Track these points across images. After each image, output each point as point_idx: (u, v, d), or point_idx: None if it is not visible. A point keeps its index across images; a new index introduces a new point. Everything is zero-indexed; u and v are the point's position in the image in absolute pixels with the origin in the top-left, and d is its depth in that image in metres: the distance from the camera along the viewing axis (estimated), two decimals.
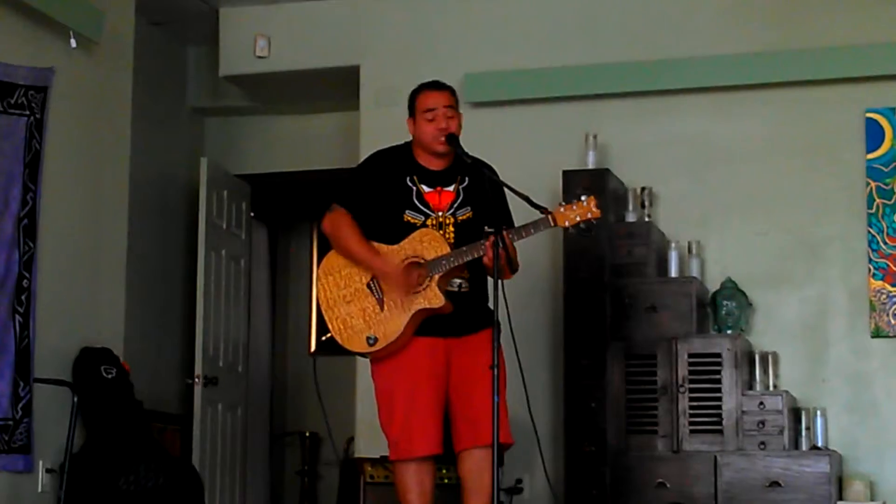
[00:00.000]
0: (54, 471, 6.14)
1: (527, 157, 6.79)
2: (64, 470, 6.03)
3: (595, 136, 6.80)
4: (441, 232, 4.79)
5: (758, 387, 6.33)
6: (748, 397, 6.21)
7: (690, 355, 6.25)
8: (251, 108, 8.54)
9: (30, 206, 6.08)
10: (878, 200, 6.62)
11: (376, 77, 7.49)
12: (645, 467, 6.19)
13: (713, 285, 6.68)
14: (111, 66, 6.84)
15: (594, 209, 4.68)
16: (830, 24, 6.81)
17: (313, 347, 9.89)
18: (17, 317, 5.99)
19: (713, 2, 7.07)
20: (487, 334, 4.59)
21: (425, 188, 4.85)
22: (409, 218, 4.81)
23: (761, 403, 6.18)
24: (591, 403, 6.23)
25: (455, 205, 4.85)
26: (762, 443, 6.13)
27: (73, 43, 6.37)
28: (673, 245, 6.64)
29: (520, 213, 4.87)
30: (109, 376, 6.44)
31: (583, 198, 4.70)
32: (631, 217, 6.71)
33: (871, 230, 6.61)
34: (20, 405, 5.96)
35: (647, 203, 6.76)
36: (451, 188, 4.87)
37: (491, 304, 4.59)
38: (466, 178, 4.89)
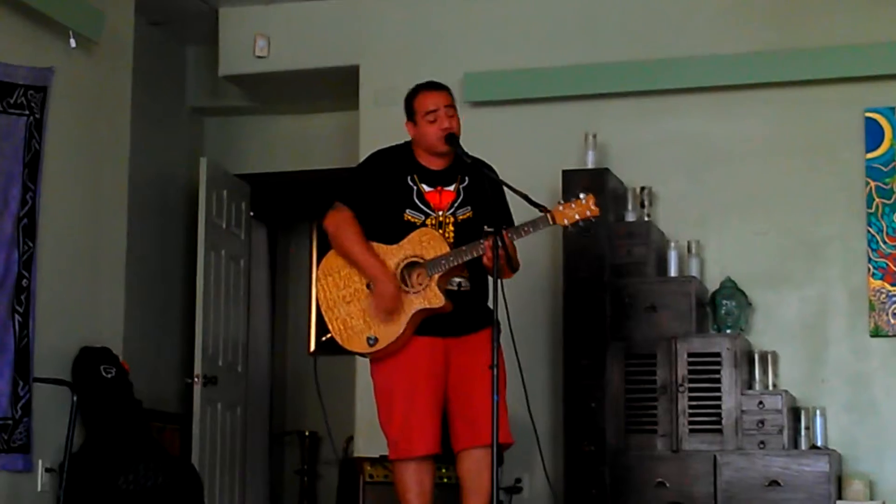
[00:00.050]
0: (54, 470, 6.14)
1: (526, 156, 6.79)
2: (63, 469, 6.03)
3: (594, 136, 6.80)
4: (441, 231, 4.79)
5: (757, 386, 6.33)
6: (748, 397, 6.21)
7: (690, 355, 6.26)
8: (251, 108, 8.54)
9: (29, 205, 6.09)
10: (877, 200, 6.62)
11: (376, 77, 7.49)
12: (644, 467, 6.19)
13: (713, 285, 6.68)
14: (111, 66, 6.84)
15: (593, 207, 4.68)
16: (830, 24, 6.81)
17: (313, 347, 9.89)
18: (17, 316, 5.99)
19: (712, 2, 7.07)
20: (487, 334, 4.58)
21: (426, 187, 4.85)
22: (410, 217, 4.81)
23: (761, 403, 6.18)
24: (591, 403, 6.24)
25: (455, 204, 4.85)
26: (762, 442, 6.13)
27: (73, 43, 6.37)
28: (672, 245, 6.65)
29: (519, 212, 4.87)
30: (109, 376, 6.44)
31: (581, 196, 4.70)
32: (630, 217, 6.71)
33: (870, 230, 6.61)
34: (20, 404, 5.96)
35: (646, 203, 6.76)
36: (452, 188, 4.87)
37: (490, 304, 4.60)
38: (467, 178, 4.89)
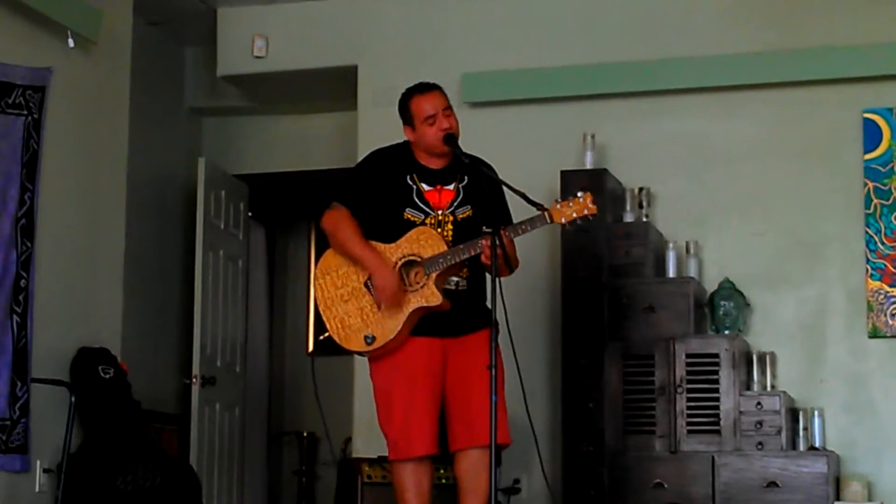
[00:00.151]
0: (52, 470, 6.14)
1: (525, 157, 6.77)
2: (61, 470, 6.03)
3: (593, 136, 6.81)
4: (440, 230, 4.79)
5: (755, 387, 6.35)
6: (746, 398, 6.22)
7: (688, 355, 6.26)
8: (249, 108, 8.54)
9: (27, 205, 6.09)
10: (875, 201, 6.63)
11: (374, 77, 7.49)
12: (643, 467, 6.19)
13: (711, 285, 6.68)
14: (109, 66, 6.84)
15: (591, 206, 4.67)
16: (828, 25, 6.81)
17: (311, 347, 9.89)
18: (15, 316, 5.99)
19: (711, 2, 7.07)
20: (485, 334, 4.59)
21: (425, 186, 4.85)
22: (409, 216, 4.81)
23: (759, 404, 6.19)
24: (589, 403, 6.24)
25: (455, 203, 4.85)
26: (760, 443, 6.14)
27: (71, 43, 6.37)
28: (671, 245, 6.65)
29: (518, 211, 4.87)
30: (107, 376, 6.44)
31: (579, 194, 4.69)
32: (629, 217, 6.71)
33: (868, 230, 6.62)
34: (18, 405, 5.96)
35: (644, 203, 6.77)
36: (451, 187, 4.87)
37: (489, 304, 4.60)
38: (466, 177, 4.89)
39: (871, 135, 6.66)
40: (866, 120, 6.68)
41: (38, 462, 6.11)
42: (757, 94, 6.88)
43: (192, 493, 6.46)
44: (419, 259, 4.72)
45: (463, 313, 4.78)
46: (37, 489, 6.11)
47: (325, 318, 4.79)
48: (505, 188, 4.85)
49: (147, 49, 7.67)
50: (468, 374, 4.71)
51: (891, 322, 6.54)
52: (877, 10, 6.75)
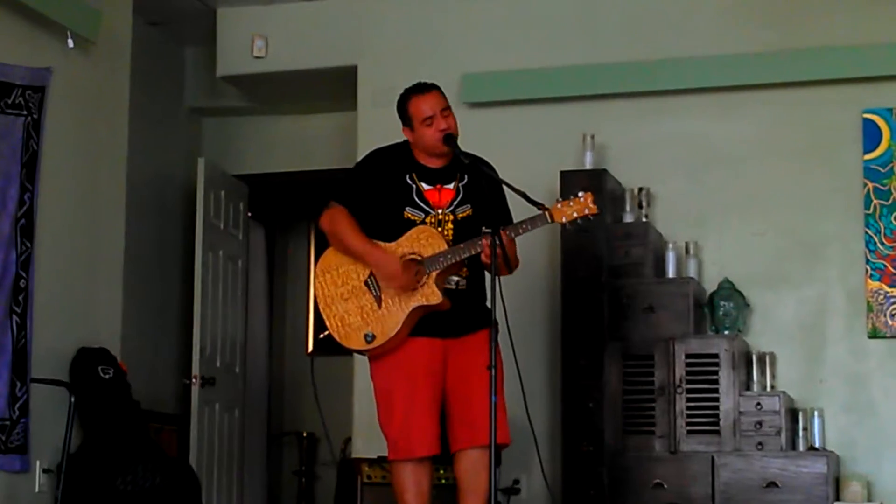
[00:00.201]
0: (51, 471, 6.15)
1: (524, 157, 6.77)
2: (61, 470, 6.04)
3: (592, 137, 6.81)
4: (440, 229, 4.79)
5: (755, 387, 6.36)
6: (745, 398, 6.23)
7: (688, 356, 6.27)
8: (248, 109, 8.55)
9: (27, 206, 6.09)
10: (875, 201, 6.63)
11: (374, 77, 7.49)
12: (642, 468, 6.20)
13: (710, 286, 6.69)
14: (108, 66, 6.85)
15: (591, 205, 4.68)
16: (828, 25, 6.82)
17: (310, 348, 9.90)
18: (15, 317, 5.99)
19: (710, 2, 7.08)
20: (485, 335, 4.59)
21: (425, 186, 4.85)
22: (409, 215, 4.81)
23: (759, 404, 6.19)
24: (589, 403, 6.24)
25: (455, 202, 4.86)
26: (759, 443, 6.14)
27: (71, 43, 6.37)
28: (670, 245, 6.66)
29: (519, 210, 4.87)
30: (107, 376, 6.44)
31: (580, 194, 4.70)
32: (628, 217, 6.72)
33: (868, 231, 6.62)
34: (17, 405, 5.97)
35: (644, 203, 6.77)
36: (451, 186, 4.87)
37: (489, 303, 4.60)
38: (466, 176, 4.89)
39: (871, 135, 6.66)
40: (866, 120, 6.68)
41: (38, 462, 6.11)
42: (756, 94, 6.88)
43: (192, 494, 6.46)
44: (420, 258, 4.73)
45: (463, 313, 4.78)
46: (36, 489, 6.12)
47: (325, 317, 4.79)
48: (505, 187, 4.85)
49: (147, 49, 7.68)
50: (468, 375, 4.71)
51: (890, 322, 6.54)
52: (876, 11, 6.75)
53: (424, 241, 4.75)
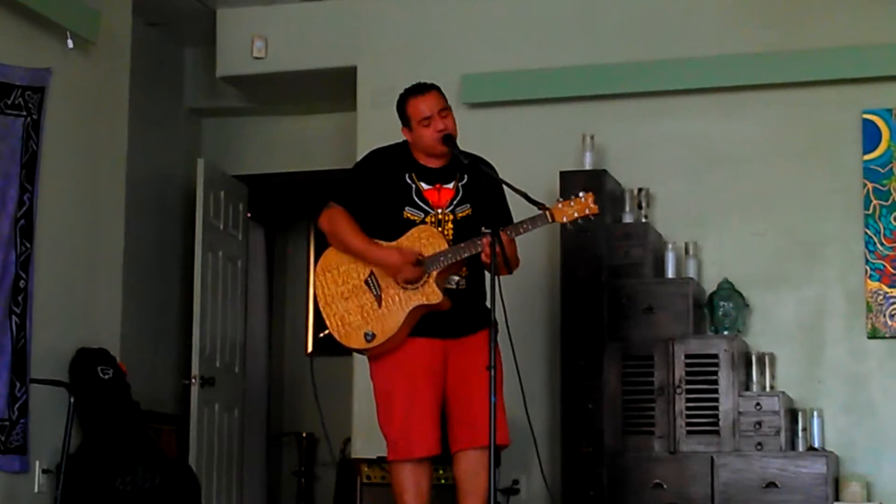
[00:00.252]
0: (51, 471, 6.15)
1: (524, 158, 6.76)
2: (60, 470, 6.04)
3: (592, 137, 6.82)
4: (440, 229, 4.80)
5: (754, 388, 6.37)
6: (745, 398, 6.24)
7: (687, 356, 6.28)
8: (248, 109, 8.56)
9: (27, 206, 6.09)
10: (874, 201, 6.64)
11: (373, 78, 7.50)
12: (642, 468, 6.21)
13: (710, 286, 6.70)
14: (108, 67, 6.85)
15: (592, 205, 4.69)
16: (828, 26, 6.83)
17: (310, 348, 9.92)
18: (14, 317, 6.00)
19: (710, 3, 7.09)
20: (485, 335, 4.59)
21: (424, 185, 4.86)
22: (409, 215, 4.82)
23: (758, 404, 6.21)
24: (588, 404, 6.25)
25: (454, 202, 4.86)
26: (759, 443, 6.16)
27: (70, 44, 6.38)
28: (670, 246, 6.67)
29: (519, 210, 4.88)
30: (106, 377, 6.45)
31: (581, 194, 4.71)
32: (628, 218, 6.73)
33: (867, 231, 6.63)
34: (17, 405, 5.97)
35: (644, 204, 6.78)
36: (451, 185, 4.88)
37: (488, 303, 4.60)
38: (466, 176, 4.90)
39: (871, 136, 6.68)
40: (865, 121, 6.69)
41: (37, 462, 6.12)
42: (756, 94, 6.89)
43: (192, 494, 6.46)
44: (420, 257, 4.73)
45: (463, 313, 4.78)
46: (36, 490, 6.12)
47: (325, 316, 4.79)
48: (506, 187, 4.86)
49: (146, 50, 7.69)
50: (468, 376, 4.72)
51: (890, 323, 6.56)
52: (876, 12, 6.76)
53: (425, 240, 4.75)
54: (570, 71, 7.12)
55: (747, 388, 6.34)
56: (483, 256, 4.64)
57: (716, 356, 6.26)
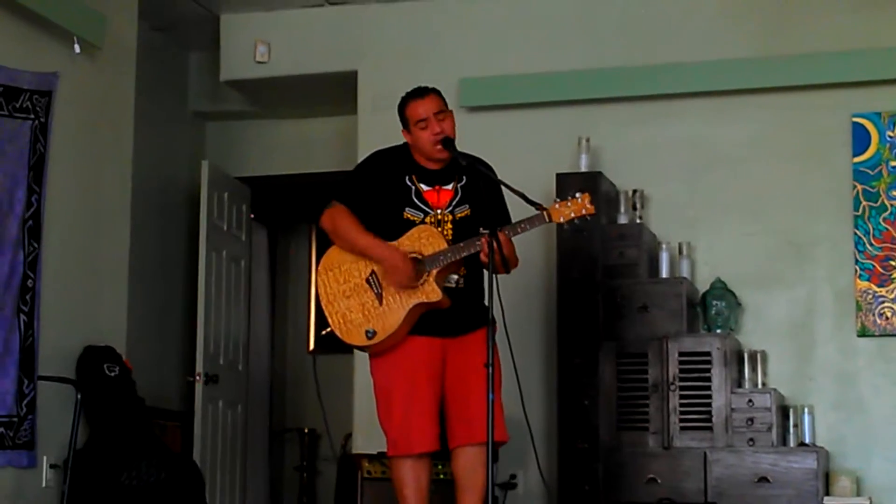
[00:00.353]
0: (58, 466, 6.16)
1: (521, 160, 6.73)
2: (67, 465, 6.04)
3: (588, 140, 6.85)
4: (439, 229, 4.83)
5: (747, 385, 6.38)
6: (737, 395, 6.26)
7: (681, 354, 6.30)
8: (251, 113, 8.56)
9: (34, 207, 6.12)
10: (864, 203, 6.68)
11: (373, 82, 7.53)
12: (636, 463, 6.24)
13: (703, 286, 6.73)
14: (114, 71, 6.87)
15: (588, 206, 4.71)
16: (819, 31, 6.86)
17: (312, 346, 9.94)
18: (22, 316, 6.02)
19: (704, 8, 7.11)
20: (483, 333, 4.61)
21: (424, 187, 4.89)
22: (409, 215, 4.86)
23: (750, 401, 6.23)
24: (584, 401, 6.28)
25: (454, 202, 4.89)
26: (751, 439, 6.18)
27: (77, 48, 6.40)
28: (664, 246, 6.69)
29: (517, 211, 4.91)
30: (112, 374, 6.47)
31: (577, 195, 4.73)
32: (623, 219, 6.75)
33: (857, 232, 6.67)
34: (24, 402, 5.99)
35: (638, 205, 6.80)
36: (450, 186, 4.91)
37: (487, 302, 4.63)
38: (465, 177, 4.93)
39: (860, 138, 6.71)
40: (855, 124, 6.73)
41: (45, 458, 6.13)
42: (748, 98, 6.92)
43: (196, 489, 6.49)
44: (420, 256, 4.77)
45: (462, 312, 4.82)
46: (43, 484, 6.14)
47: (327, 313, 4.82)
48: (504, 188, 4.89)
49: (151, 54, 7.69)
50: (466, 373, 4.75)
51: (879, 321, 6.60)
52: (865, 17, 6.80)
53: (425, 240, 4.79)
54: (566, 75, 7.14)
55: (739, 385, 6.36)
56: (482, 256, 4.66)
57: (709, 354, 6.28)
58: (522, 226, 4.76)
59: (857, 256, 6.67)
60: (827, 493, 6.19)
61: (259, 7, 7.77)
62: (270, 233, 10.18)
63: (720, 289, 6.65)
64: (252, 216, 8.89)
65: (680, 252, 6.79)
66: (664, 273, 6.66)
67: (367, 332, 4.77)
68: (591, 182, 6.46)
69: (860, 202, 6.69)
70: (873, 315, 6.61)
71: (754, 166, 6.91)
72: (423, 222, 4.85)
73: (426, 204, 4.89)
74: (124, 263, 6.94)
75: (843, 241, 6.71)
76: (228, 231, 8.35)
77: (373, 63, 7.61)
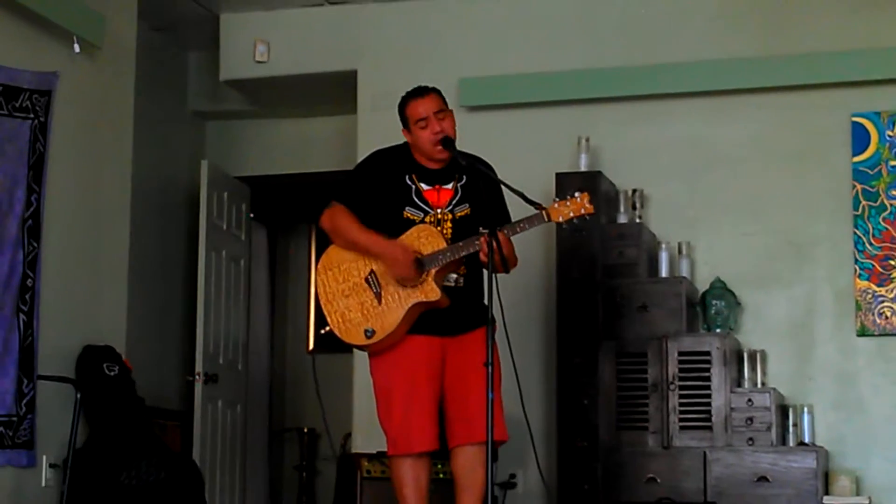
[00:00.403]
0: (57, 466, 6.17)
1: (521, 159, 6.75)
2: (67, 465, 6.05)
3: (587, 140, 6.85)
4: (439, 228, 4.84)
5: (746, 384, 6.38)
6: (737, 394, 6.26)
7: (680, 353, 6.31)
8: (251, 112, 8.57)
9: (34, 207, 6.12)
10: (863, 202, 6.69)
11: (373, 81, 7.53)
12: (636, 463, 6.25)
13: (703, 285, 6.74)
14: (113, 71, 6.87)
15: (587, 205, 4.71)
16: (818, 31, 6.87)
17: (311, 345, 9.95)
18: (22, 315, 6.03)
19: (704, 8, 7.11)
20: (482, 333, 4.61)
21: (424, 186, 4.90)
22: (409, 214, 4.86)
23: (749, 400, 6.23)
24: (584, 400, 6.29)
25: (454, 202, 4.90)
26: (750, 439, 6.18)
27: (77, 48, 6.41)
28: (663, 246, 6.70)
29: (517, 210, 4.91)
30: (112, 374, 6.48)
31: (577, 194, 4.73)
32: (622, 218, 6.76)
33: (857, 231, 6.67)
34: (24, 402, 6.00)
35: (638, 205, 6.80)
36: (450, 186, 4.92)
37: (486, 301, 4.63)
38: (465, 177, 4.94)
39: (860, 138, 6.72)
40: (855, 123, 6.74)
41: (45, 457, 6.14)
42: (748, 98, 6.93)
43: (195, 488, 6.49)
44: (419, 256, 4.77)
45: (461, 311, 4.83)
46: (43, 484, 6.15)
47: (326, 312, 4.83)
48: (504, 187, 4.90)
49: (151, 54, 7.70)
50: (466, 373, 4.76)
51: (878, 321, 6.60)
52: (864, 17, 6.81)
53: (424, 239, 4.79)
54: (565, 75, 7.15)
55: (739, 384, 6.36)
56: (481, 255, 4.67)
57: (708, 353, 6.28)
58: (522, 225, 4.76)
59: (857, 256, 6.67)
60: (826, 493, 6.20)
61: (258, 6, 7.78)
62: (270, 232, 10.21)
63: (720, 288, 6.66)
64: (252, 216, 8.90)
65: (679, 251, 6.80)
66: (664, 273, 6.66)
67: (365, 331, 4.78)
68: (590, 181, 6.46)
69: (860, 202, 6.70)
70: (873, 315, 6.62)
71: (754, 166, 6.92)
72: (423, 221, 4.86)
73: (426, 203, 4.89)
74: (124, 263, 6.95)
75: (842, 240, 6.72)
76: (228, 230, 8.36)
77: (372, 62, 7.61)
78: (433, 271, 4.76)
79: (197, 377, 7.81)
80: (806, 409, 6.44)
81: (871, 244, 6.65)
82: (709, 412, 6.25)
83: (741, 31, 7.02)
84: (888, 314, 6.60)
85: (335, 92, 7.93)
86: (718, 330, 6.56)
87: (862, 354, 6.67)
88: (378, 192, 4.91)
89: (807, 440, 6.38)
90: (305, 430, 9.84)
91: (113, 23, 6.80)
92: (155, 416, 7.23)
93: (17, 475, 6.02)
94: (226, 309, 8.24)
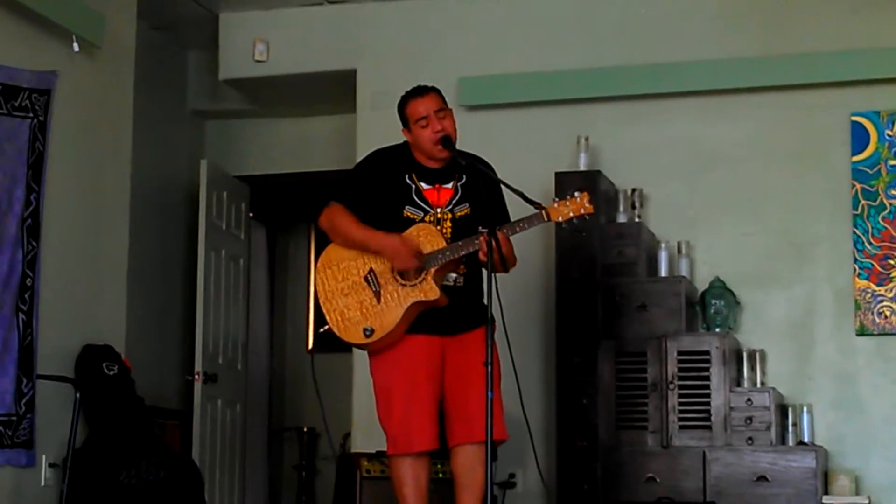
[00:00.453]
0: (57, 465, 6.17)
1: (520, 159, 6.74)
2: (66, 464, 6.05)
3: (587, 139, 6.86)
4: (439, 228, 4.85)
5: (745, 384, 6.39)
6: (736, 394, 6.27)
7: (680, 353, 6.31)
8: (250, 111, 8.58)
9: (33, 206, 6.13)
10: (863, 202, 6.69)
11: (372, 80, 7.54)
12: (635, 462, 6.25)
13: (702, 285, 6.74)
14: (113, 70, 6.88)
15: (587, 205, 4.72)
16: (818, 30, 6.88)
17: (311, 345, 9.96)
18: (21, 315, 6.03)
19: (704, 8, 7.12)
20: (482, 332, 4.62)
21: (424, 185, 4.91)
22: (409, 214, 4.87)
23: (749, 400, 6.23)
24: (583, 400, 6.29)
25: (454, 201, 4.91)
26: (750, 438, 6.19)
27: (76, 47, 6.41)
28: (663, 245, 6.70)
29: (516, 210, 4.92)
30: (111, 373, 6.48)
31: (576, 194, 4.74)
32: (622, 218, 6.76)
33: (856, 231, 6.68)
34: (23, 401, 6.00)
35: (637, 204, 6.80)
36: (450, 185, 4.93)
37: (486, 301, 4.64)
38: (464, 176, 4.95)
39: (859, 137, 6.73)
40: (854, 123, 6.74)
41: (44, 457, 6.15)
42: (747, 97, 6.93)
43: (195, 488, 6.49)
44: (419, 255, 4.78)
45: (460, 311, 4.83)
46: (42, 483, 6.15)
47: (325, 311, 4.83)
48: (503, 187, 4.90)
49: (150, 53, 7.70)
50: (466, 372, 4.77)
51: (878, 320, 6.61)
52: (864, 16, 6.81)
53: (423, 238, 4.80)
54: (565, 74, 7.15)
55: (738, 384, 6.37)
56: (480, 254, 4.67)
57: (707, 353, 6.29)
58: (521, 225, 4.77)
59: (856, 255, 6.68)
60: (826, 492, 6.20)
61: (258, 6, 7.78)
62: (269, 231, 10.22)
63: (719, 288, 6.66)
64: (251, 215, 8.91)
65: (679, 251, 6.81)
66: (663, 272, 6.67)
67: (364, 329, 4.78)
68: (589, 181, 6.47)
69: (859, 201, 6.70)
70: (872, 314, 6.62)
71: (753, 165, 6.92)
72: (422, 221, 4.87)
73: (426, 202, 4.90)
74: (123, 262, 6.95)
75: (842, 240, 6.73)
76: (227, 230, 8.37)
77: (372, 61, 7.62)
78: (432, 270, 4.76)
79: (196, 376, 7.82)
80: (805, 409, 6.44)
81: (870, 244, 6.66)
82: (708, 412, 6.26)
83: (741, 30, 7.03)
84: (887, 314, 6.61)
85: (334, 91, 7.93)
86: (718, 329, 6.56)
87: (861, 354, 6.67)
88: (378, 192, 4.92)
89: (806, 440, 6.38)
90: (305, 430, 9.84)
91: (112, 22, 6.81)
92: (154, 416, 7.24)
93: (17, 475, 6.02)
94: (225, 308, 8.25)
